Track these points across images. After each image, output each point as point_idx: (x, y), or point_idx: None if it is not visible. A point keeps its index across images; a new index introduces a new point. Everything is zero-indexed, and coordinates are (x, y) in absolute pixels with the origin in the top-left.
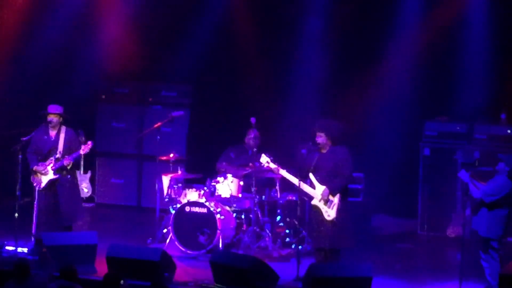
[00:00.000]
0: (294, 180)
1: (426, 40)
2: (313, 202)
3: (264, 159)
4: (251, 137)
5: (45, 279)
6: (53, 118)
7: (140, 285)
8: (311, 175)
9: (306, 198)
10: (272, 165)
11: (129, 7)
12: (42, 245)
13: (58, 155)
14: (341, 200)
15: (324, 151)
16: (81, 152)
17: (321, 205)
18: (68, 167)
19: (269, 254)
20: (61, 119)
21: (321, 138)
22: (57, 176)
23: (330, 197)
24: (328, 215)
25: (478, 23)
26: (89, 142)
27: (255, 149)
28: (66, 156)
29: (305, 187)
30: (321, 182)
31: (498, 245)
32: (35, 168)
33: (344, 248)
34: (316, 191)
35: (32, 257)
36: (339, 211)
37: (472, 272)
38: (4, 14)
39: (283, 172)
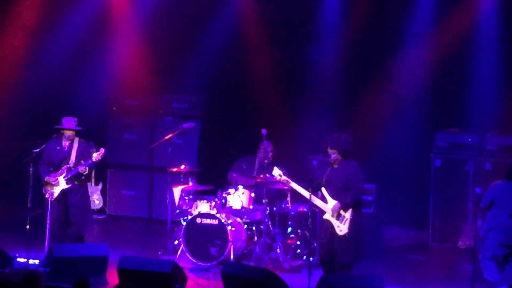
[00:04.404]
0: (307, 194)
1: (437, 51)
2: (325, 216)
3: (277, 172)
4: (265, 151)
5: None
6: (70, 134)
7: None
8: (323, 190)
9: (317, 210)
10: (285, 179)
11: (141, 20)
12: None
13: (70, 164)
14: (354, 214)
15: (335, 166)
16: (94, 159)
17: (333, 220)
18: (85, 173)
19: (280, 265)
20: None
21: (333, 155)
22: (69, 185)
23: (342, 212)
24: (340, 230)
25: (490, 34)
26: (102, 149)
27: (266, 161)
28: (81, 163)
29: (317, 201)
30: (333, 196)
31: None
32: (46, 179)
33: (354, 261)
34: (328, 205)
35: (44, 268)
36: (351, 226)
37: (483, 283)
38: (15, 26)
39: (296, 186)
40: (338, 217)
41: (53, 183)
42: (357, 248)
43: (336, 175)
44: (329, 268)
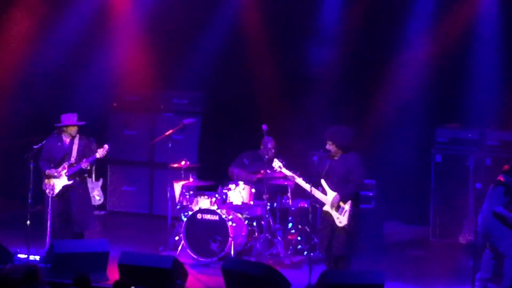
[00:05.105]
0: (307, 186)
1: (437, 46)
2: (325, 208)
3: (277, 163)
4: (266, 147)
5: None
6: (73, 131)
7: None
8: (323, 182)
9: (317, 205)
10: (285, 171)
11: (141, 15)
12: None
13: (72, 161)
14: (353, 207)
15: (335, 158)
16: (98, 155)
17: (332, 211)
18: (87, 168)
19: (281, 261)
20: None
21: (330, 147)
22: (71, 181)
23: (341, 204)
24: (340, 222)
25: (489, 29)
26: (106, 146)
27: (267, 156)
28: (83, 160)
29: (317, 194)
30: (333, 188)
31: None
32: (47, 172)
33: (353, 254)
34: (328, 197)
35: (44, 264)
36: (350, 218)
37: None
38: (17, 19)
39: (300, 181)
40: (338, 209)
41: (55, 175)
42: (356, 241)
43: (336, 167)
44: (333, 261)
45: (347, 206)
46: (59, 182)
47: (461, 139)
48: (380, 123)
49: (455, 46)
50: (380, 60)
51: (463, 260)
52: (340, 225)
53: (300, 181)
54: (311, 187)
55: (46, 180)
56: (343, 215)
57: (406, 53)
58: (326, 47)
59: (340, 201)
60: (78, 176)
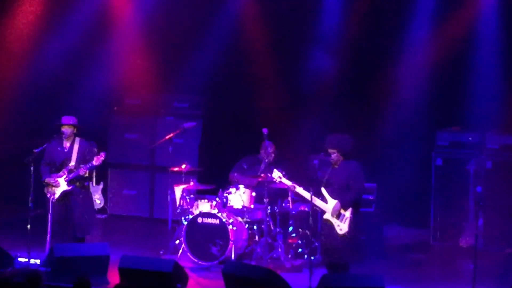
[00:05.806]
0: (307, 195)
1: (438, 50)
2: (325, 216)
3: (276, 174)
4: (266, 150)
5: None
6: (66, 129)
7: None
8: (323, 190)
9: (318, 209)
10: (285, 181)
11: (142, 19)
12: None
13: (71, 166)
14: (353, 214)
15: (336, 166)
16: (94, 163)
17: (333, 219)
18: (85, 175)
19: (281, 264)
20: (75, 130)
21: (333, 155)
22: (71, 187)
23: (342, 211)
24: (340, 229)
25: (490, 33)
26: (102, 154)
27: (267, 160)
28: (81, 166)
29: (318, 202)
30: (333, 196)
31: None
32: (46, 180)
33: (353, 262)
34: (328, 205)
35: (45, 268)
36: (351, 225)
37: (485, 282)
38: (16, 24)
39: (300, 190)
40: (338, 216)
41: (53, 184)
42: (358, 247)
43: (337, 175)
44: (333, 268)
45: (347, 213)
46: (59, 188)
47: (462, 142)
48: (381, 126)
49: (455, 49)
50: (380, 65)
51: (463, 263)
52: (341, 232)
53: (300, 190)
54: (311, 196)
55: (47, 186)
56: (344, 222)
57: (407, 57)
58: (327, 53)
59: (341, 209)
60: (78, 182)
